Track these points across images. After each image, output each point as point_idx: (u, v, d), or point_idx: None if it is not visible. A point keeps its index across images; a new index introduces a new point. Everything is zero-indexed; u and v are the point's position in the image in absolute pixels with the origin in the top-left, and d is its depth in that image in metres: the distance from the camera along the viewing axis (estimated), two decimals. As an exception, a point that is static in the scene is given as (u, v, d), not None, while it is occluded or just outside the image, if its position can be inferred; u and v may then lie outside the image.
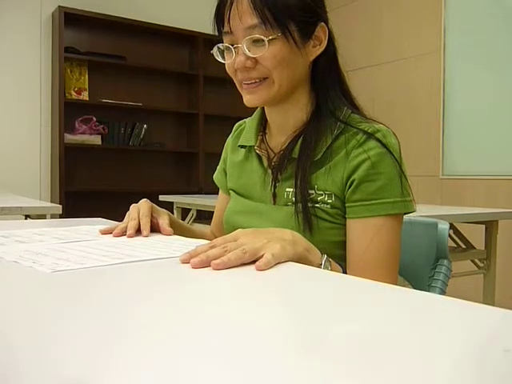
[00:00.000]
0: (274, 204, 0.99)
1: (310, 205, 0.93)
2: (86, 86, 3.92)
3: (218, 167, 1.21)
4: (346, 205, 0.92)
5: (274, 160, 1.01)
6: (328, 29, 0.96)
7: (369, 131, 0.91)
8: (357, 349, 0.39)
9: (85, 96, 3.92)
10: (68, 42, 3.82)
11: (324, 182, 0.94)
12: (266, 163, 1.03)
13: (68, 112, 3.78)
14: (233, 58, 0.94)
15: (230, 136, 1.17)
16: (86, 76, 3.93)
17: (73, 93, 3.89)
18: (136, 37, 4.18)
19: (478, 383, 0.33)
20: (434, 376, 0.33)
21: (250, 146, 1.06)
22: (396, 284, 0.91)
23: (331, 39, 0.98)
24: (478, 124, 3.19)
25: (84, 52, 3.89)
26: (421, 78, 3.54)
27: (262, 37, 0.90)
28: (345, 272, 0.89)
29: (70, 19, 3.79)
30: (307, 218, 0.92)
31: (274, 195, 0.99)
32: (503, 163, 3.06)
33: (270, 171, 1.01)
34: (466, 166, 3.25)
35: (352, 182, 0.91)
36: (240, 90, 0.98)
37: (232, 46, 0.94)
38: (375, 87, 3.76)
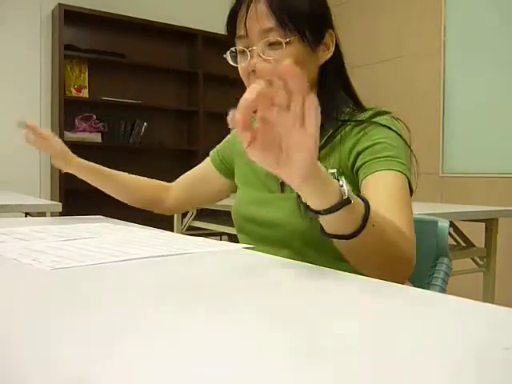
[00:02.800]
0: (282, 192, 1.01)
1: None
2: (86, 84, 3.92)
3: (217, 147, 1.23)
4: (358, 171, 0.93)
5: None
6: (335, 35, 1.00)
7: (367, 115, 0.96)
8: (356, 346, 0.39)
9: (85, 93, 3.91)
10: (68, 39, 3.81)
11: (326, 162, 0.95)
12: None
13: (68, 110, 3.77)
14: (247, 60, 0.95)
15: None
16: (86, 73, 3.92)
17: (73, 90, 3.88)
18: (136, 34, 4.17)
19: (477, 381, 0.33)
20: (433, 374, 0.33)
21: None
22: (412, 224, 0.86)
23: (337, 45, 1.01)
24: (478, 122, 3.19)
25: (84, 49, 3.88)
26: (421, 76, 3.54)
27: (280, 39, 0.92)
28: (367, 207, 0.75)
29: (69, 17, 3.78)
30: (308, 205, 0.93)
31: (282, 183, 1.00)
32: (503, 161, 3.06)
33: None
34: (466, 163, 3.25)
35: (358, 153, 0.93)
36: None
37: (247, 49, 0.95)
38: (375, 85, 3.76)
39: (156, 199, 1.27)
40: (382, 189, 0.87)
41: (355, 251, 0.75)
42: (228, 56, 0.99)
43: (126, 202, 1.27)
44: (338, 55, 1.01)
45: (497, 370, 0.35)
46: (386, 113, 0.98)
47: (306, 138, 0.58)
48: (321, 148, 0.96)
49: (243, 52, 0.96)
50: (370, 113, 0.97)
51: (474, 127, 3.21)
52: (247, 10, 0.94)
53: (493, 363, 0.36)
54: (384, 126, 0.94)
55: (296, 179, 0.63)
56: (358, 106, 1.02)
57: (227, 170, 1.20)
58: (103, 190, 1.25)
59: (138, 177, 1.27)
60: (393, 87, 3.70)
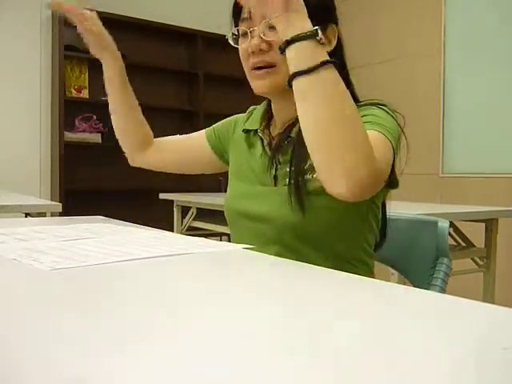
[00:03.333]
0: (275, 186, 1.00)
1: (305, 186, 0.94)
2: (86, 84, 3.92)
3: (215, 125, 1.24)
4: None
5: (274, 143, 1.03)
6: (338, 32, 1.00)
7: (366, 103, 0.97)
8: (356, 346, 0.39)
9: (85, 94, 3.91)
10: (68, 39, 3.81)
11: None
12: (267, 147, 1.05)
13: (68, 110, 3.78)
14: (248, 41, 0.97)
15: (244, 115, 1.18)
16: (86, 74, 3.92)
17: (73, 91, 3.88)
18: (136, 35, 4.17)
19: (477, 381, 0.33)
20: (433, 374, 0.33)
21: (254, 131, 1.08)
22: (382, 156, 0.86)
23: (340, 42, 1.01)
24: (478, 122, 3.19)
25: (84, 50, 3.86)
26: (421, 76, 3.54)
27: None
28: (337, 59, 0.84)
29: (69, 17, 3.78)
30: (299, 198, 0.93)
31: (275, 177, 1.00)
32: (503, 161, 3.06)
33: (269, 152, 1.03)
34: (466, 164, 3.25)
35: None
36: (249, 77, 1.00)
37: (248, 29, 0.97)
38: (375, 85, 3.75)
39: (141, 149, 1.27)
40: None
41: (312, 102, 0.79)
42: (230, 37, 1.01)
43: (119, 133, 1.26)
44: (339, 52, 1.01)
45: (496, 370, 0.35)
46: (381, 104, 0.97)
47: None
48: None
49: (245, 34, 0.98)
50: (365, 103, 0.98)
51: (474, 127, 3.21)
52: None
53: (492, 363, 0.36)
54: (374, 105, 0.94)
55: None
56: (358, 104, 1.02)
57: (220, 150, 1.19)
58: (112, 99, 1.28)
59: (142, 117, 1.29)
60: (393, 87, 3.70)
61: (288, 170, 0.97)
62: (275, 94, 1.01)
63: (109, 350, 0.38)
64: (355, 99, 1.04)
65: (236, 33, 1.00)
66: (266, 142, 1.05)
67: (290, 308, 0.51)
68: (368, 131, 0.82)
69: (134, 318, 0.46)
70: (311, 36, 0.78)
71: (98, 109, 3.96)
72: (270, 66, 0.96)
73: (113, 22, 4.46)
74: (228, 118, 1.22)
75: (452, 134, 3.33)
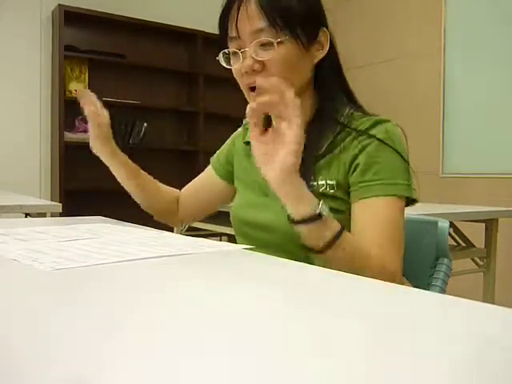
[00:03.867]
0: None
1: None
2: (86, 84, 3.92)
3: (217, 152, 1.23)
4: (352, 189, 0.94)
5: None
6: (329, 34, 0.99)
7: (367, 125, 0.94)
8: (356, 346, 0.39)
9: (85, 94, 3.91)
10: (68, 40, 3.82)
11: (326, 174, 0.95)
12: None
13: (68, 110, 3.78)
14: (240, 62, 0.95)
15: (240, 130, 1.19)
16: (86, 74, 3.92)
17: (73, 91, 3.88)
18: (136, 35, 4.17)
19: (477, 381, 0.33)
20: (433, 374, 0.33)
21: None
22: (401, 257, 0.92)
23: (332, 44, 1.00)
24: (478, 122, 3.19)
25: (84, 50, 3.88)
26: (421, 76, 3.54)
27: (271, 39, 0.91)
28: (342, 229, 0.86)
29: (69, 17, 3.78)
30: None
31: None
32: (503, 161, 3.06)
33: None
34: (467, 164, 3.25)
35: (355, 168, 0.93)
36: (247, 96, 0.99)
37: (239, 50, 0.95)
38: (375, 85, 3.76)
39: (170, 212, 1.27)
40: (369, 218, 0.91)
41: (325, 263, 0.83)
42: (221, 58, 0.99)
43: (142, 206, 1.27)
44: (333, 54, 1.00)
45: (496, 370, 0.35)
46: (385, 121, 0.96)
47: (288, 144, 0.76)
48: (322, 156, 0.96)
49: (236, 53, 0.96)
50: (369, 122, 0.95)
51: (474, 127, 3.21)
52: (238, 10, 0.93)
53: (492, 363, 0.36)
54: (382, 142, 0.92)
55: (276, 175, 0.78)
56: (357, 107, 1.01)
57: (228, 174, 1.19)
58: (127, 188, 1.24)
59: (160, 186, 1.27)
60: (393, 87, 3.70)
61: None
62: None
63: (109, 349, 0.38)
64: (353, 102, 1.03)
65: (227, 52, 0.98)
66: None
67: (290, 308, 0.51)
68: (383, 199, 0.89)
69: (135, 318, 0.46)
70: (316, 218, 0.80)
71: (98, 109, 3.96)
72: None
73: (113, 23, 4.47)
74: (228, 140, 1.22)
75: (452, 134, 3.33)
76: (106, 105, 1.27)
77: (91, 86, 3.94)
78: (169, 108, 4.30)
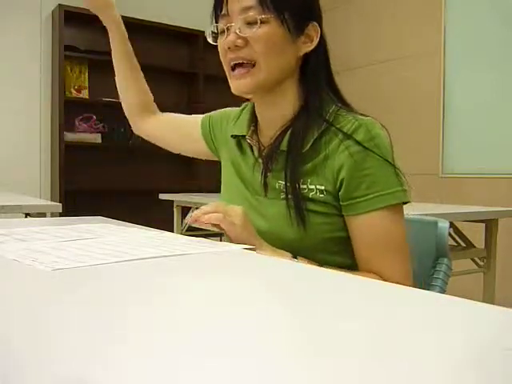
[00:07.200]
0: (266, 195, 0.99)
1: (301, 199, 0.93)
2: (86, 85, 3.92)
3: (212, 114, 1.21)
4: (342, 203, 0.93)
5: (264, 151, 1.01)
6: (321, 30, 0.98)
7: (352, 128, 0.92)
8: (356, 347, 0.39)
9: (85, 94, 3.91)
10: (68, 40, 3.82)
11: (315, 178, 0.94)
12: (256, 154, 1.03)
13: (68, 110, 3.78)
14: (224, 37, 0.95)
15: (237, 111, 1.15)
16: (86, 74, 3.92)
17: (73, 91, 3.88)
18: (136, 35, 4.12)
19: (477, 381, 0.33)
20: (433, 374, 0.33)
21: (243, 136, 1.06)
22: (410, 270, 0.93)
23: (323, 40, 0.99)
24: (478, 122, 3.19)
25: (84, 50, 3.88)
26: (421, 76, 3.54)
27: (256, 16, 0.92)
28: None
29: (69, 17, 3.78)
30: (299, 213, 0.92)
31: (266, 186, 0.98)
32: (503, 161, 3.06)
33: (260, 161, 1.01)
34: (466, 164, 3.25)
35: (342, 182, 0.92)
36: (229, 77, 0.99)
37: (225, 26, 0.95)
38: (375, 85, 3.76)
39: (140, 114, 1.29)
40: (367, 235, 0.92)
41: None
42: (208, 34, 0.99)
43: (121, 93, 1.29)
44: (322, 50, 0.99)
45: (496, 371, 0.35)
46: (368, 123, 0.92)
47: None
48: (309, 157, 0.94)
49: (223, 32, 0.96)
50: (353, 125, 0.92)
51: (474, 127, 3.21)
52: None
53: (493, 363, 0.36)
54: (368, 149, 0.90)
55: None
56: (342, 105, 0.99)
57: (211, 142, 1.18)
58: (115, 63, 1.29)
59: (144, 81, 1.31)
60: (393, 87, 3.70)
61: (281, 181, 0.96)
62: (256, 93, 0.99)
63: (109, 349, 0.38)
64: (339, 100, 1.00)
65: (215, 30, 0.98)
66: (255, 149, 1.03)
67: (290, 308, 0.51)
68: (379, 213, 0.90)
69: (135, 318, 0.46)
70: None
71: (98, 109, 3.96)
72: (250, 63, 0.94)
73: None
74: (223, 110, 1.20)
75: (452, 133, 3.33)
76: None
77: (91, 86, 3.94)
78: (169, 108, 4.26)
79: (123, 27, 1.27)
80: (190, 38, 4.34)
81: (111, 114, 4.07)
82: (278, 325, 0.45)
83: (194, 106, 4.34)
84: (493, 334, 0.43)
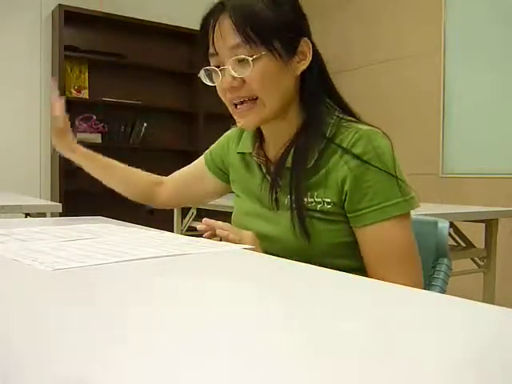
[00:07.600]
0: (277, 209, 0.99)
1: (307, 212, 0.94)
2: (86, 85, 3.92)
3: (211, 148, 1.22)
4: (349, 215, 0.93)
5: (272, 169, 1.02)
6: (312, 43, 0.96)
7: (352, 140, 0.91)
8: (357, 346, 0.39)
9: (85, 94, 3.91)
10: (68, 40, 3.81)
11: (321, 192, 0.94)
12: (264, 170, 1.03)
13: (68, 110, 3.77)
14: (220, 79, 0.94)
15: (235, 131, 1.16)
16: (86, 74, 3.92)
17: (73, 91, 3.88)
18: (136, 35, 4.17)
19: (477, 381, 0.33)
20: (433, 374, 0.33)
21: (249, 154, 1.07)
22: (419, 279, 0.93)
23: (316, 53, 0.97)
24: (478, 123, 3.19)
25: (84, 50, 3.88)
26: (421, 76, 3.53)
27: (247, 57, 0.90)
28: None
29: (69, 17, 3.78)
30: (303, 227, 0.93)
31: (277, 201, 0.99)
32: (503, 162, 3.06)
33: (268, 178, 1.02)
34: (466, 164, 3.25)
35: (346, 194, 0.92)
36: (233, 113, 0.98)
37: (218, 67, 0.94)
38: (375, 85, 3.76)
39: (150, 194, 1.28)
40: (374, 247, 0.92)
41: None
42: (202, 75, 0.98)
43: (122, 194, 1.29)
44: (317, 63, 0.97)
45: (496, 371, 0.35)
46: (369, 134, 0.91)
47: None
48: (312, 172, 0.95)
49: (216, 70, 0.95)
50: (353, 138, 0.91)
51: (474, 127, 3.21)
52: (214, 27, 0.92)
53: (493, 363, 0.36)
54: (367, 162, 0.90)
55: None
56: (344, 112, 0.98)
57: (221, 173, 1.18)
58: (101, 180, 1.28)
59: (136, 170, 1.29)
60: (393, 87, 3.69)
61: (288, 195, 0.96)
62: (263, 124, 1.00)
63: (109, 349, 0.38)
64: (342, 108, 0.99)
65: (208, 69, 0.97)
66: (263, 167, 1.03)
67: (290, 308, 0.51)
68: (384, 224, 0.89)
69: (135, 318, 0.46)
70: None
71: (98, 109, 3.96)
72: (251, 99, 0.93)
73: (114, 23, 4.47)
74: (221, 138, 1.20)
75: (452, 134, 3.33)
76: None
77: (91, 86, 3.94)
78: (169, 108, 4.29)
79: (83, 149, 1.31)
80: (190, 38, 4.33)
81: (111, 114, 4.07)
82: (277, 325, 0.45)
83: (194, 106, 4.34)
84: (493, 334, 0.43)
